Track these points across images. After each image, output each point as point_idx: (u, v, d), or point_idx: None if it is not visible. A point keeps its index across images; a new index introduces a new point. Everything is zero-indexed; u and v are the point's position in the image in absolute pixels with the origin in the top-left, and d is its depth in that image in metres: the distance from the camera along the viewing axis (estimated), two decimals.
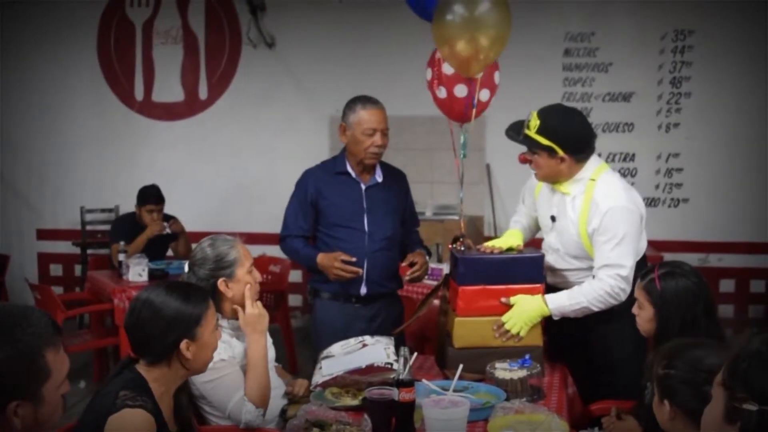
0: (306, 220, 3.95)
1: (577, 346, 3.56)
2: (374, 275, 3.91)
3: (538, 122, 3.44)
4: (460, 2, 3.62)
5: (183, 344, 2.40)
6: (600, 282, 3.37)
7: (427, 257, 4.05)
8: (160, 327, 2.39)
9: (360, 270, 3.83)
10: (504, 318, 3.35)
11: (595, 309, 3.38)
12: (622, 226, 3.37)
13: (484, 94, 3.86)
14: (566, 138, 3.43)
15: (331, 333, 3.66)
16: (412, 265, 3.92)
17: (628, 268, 3.36)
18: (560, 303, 3.39)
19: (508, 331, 3.34)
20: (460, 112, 3.90)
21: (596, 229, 3.39)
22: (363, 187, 3.95)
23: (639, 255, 3.49)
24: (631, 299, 3.25)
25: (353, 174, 3.95)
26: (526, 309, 3.36)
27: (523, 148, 3.57)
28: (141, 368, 2.42)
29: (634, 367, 3.52)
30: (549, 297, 3.40)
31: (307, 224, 3.96)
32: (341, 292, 3.91)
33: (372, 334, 3.44)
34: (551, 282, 3.61)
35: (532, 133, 3.45)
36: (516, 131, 3.59)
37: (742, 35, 7.36)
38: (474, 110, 3.84)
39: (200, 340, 2.45)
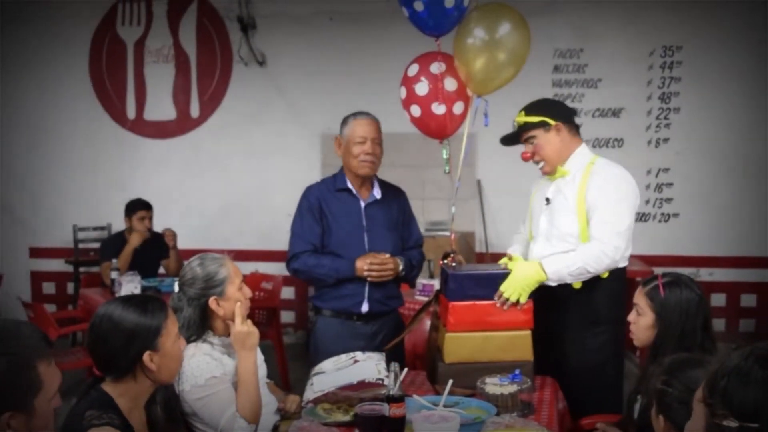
0: (316, 235, 3.90)
1: (557, 355, 3.63)
2: (376, 293, 3.90)
3: (522, 111, 3.75)
4: (481, 24, 3.72)
5: (146, 356, 2.41)
6: (595, 240, 3.49)
7: (401, 268, 3.94)
8: (121, 341, 2.39)
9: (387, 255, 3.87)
10: (502, 287, 3.39)
11: (592, 270, 3.48)
12: (624, 188, 3.58)
13: (458, 107, 3.91)
14: (550, 107, 3.76)
15: (332, 350, 3.65)
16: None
17: (624, 227, 3.51)
18: (557, 266, 3.46)
19: (507, 300, 3.38)
20: (453, 128, 3.95)
21: (598, 189, 3.55)
22: (362, 204, 3.96)
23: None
24: (590, 313, 3.43)
25: (353, 190, 3.96)
26: (523, 275, 3.41)
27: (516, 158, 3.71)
28: (107, 386, 2.42)
29: (602, 376, 3.60)
30: (545, 261, 3.46)
31: (317, 239, 3.91)
32: (343, 310, 3.90)
33: (372, 351, 3.44)
34: None
35: (522, 118, 3.72)
36: (508, 136, 3.83)
37: (730, 50, 7.41)
38: (467, 125, 3.91)
39: (163, 350, 2.45)
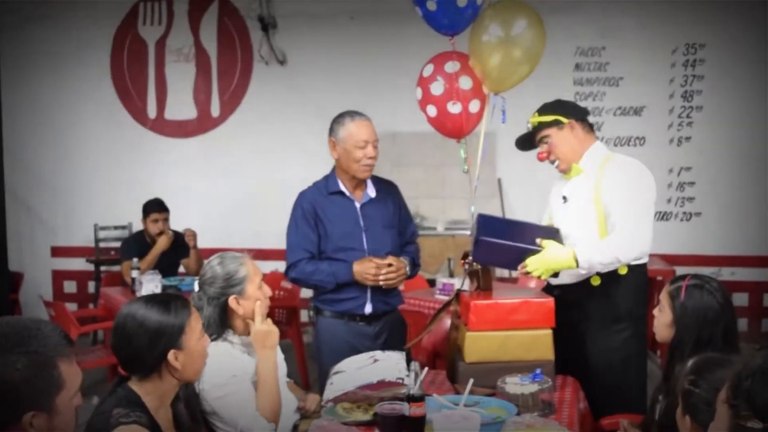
0: (312, 242, 3.87)
1: (576, 354, 3.62)
2: (378, 293, 3.88)
3: (536, 113, 3.77)
4: (496, 22, 3.72)
5: (171, 354, 2.42)
6: (623, 230, 3.47)
7: (408, 269, 3.93)
8: (145, 340, 2.41)
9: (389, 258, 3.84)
10: (528, 261, 3.42)
11: (623, 259, 3.48)
12: (643, 182, 3.58)
13: (474, 105, 3.90)
14: (562, 106, 3.76)
15: (336, 351, 3.65)
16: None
17: (648, 218, 3.52)
18: (589, 255, 3.45)
19: (528, 273, 3.44)
20: (469, 127, 3.94)
21: (617, 183, 3.55)
22: (357, 205, 3.92)
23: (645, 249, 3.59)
24: (610, 310, 3.48)
25: (347, 192, 3.92)
26: (554, 256, 3.43)
27: (532, 161, 3.84)
28: (133, 384, 2.44)
29: (622, 374, 3.58)
30: (578, 249, 3.44)
31: (313, 246, 3.87)
32: (345, 312, 3.89)
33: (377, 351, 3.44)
34: (553, 281, 3.66)
35: (535, 119, 3.75)
36: (523, 138, 3.85)
37: (753, 48, 7.34)
38: (484, 123, 3.91)
39: (187, 348, 2.46)
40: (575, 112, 3.75)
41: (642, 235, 3.47)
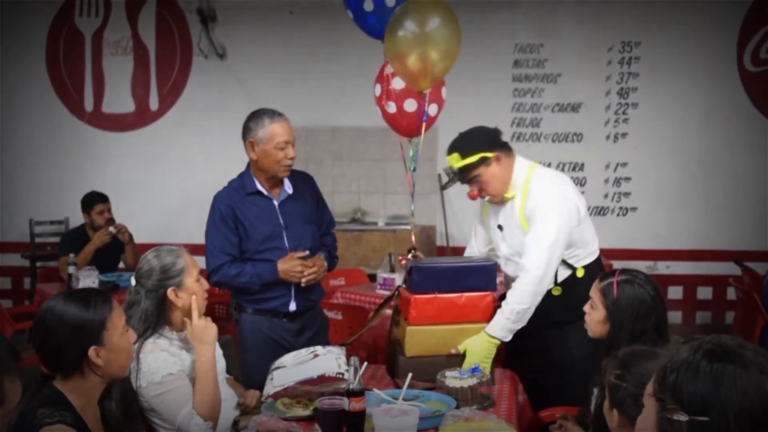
0: (233, 244, 3.79)
1: (522, 352, 3.63)
2: (302, 291, 3.85)
3: (455, 153, 3.57)
4: (411, 18, 3.67)
5: (92, 351, 2.34)
6: (520, 280, 3.45)
7: (326, 264, 3.92)
8: (65, 336, 2.33)
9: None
10: (464, 365, 3.32)
11: (528, 304, 3.43)
12: (553, 200, 3.50)
13: (432, 109, 3.89)
14: (482, 139, 3.58)
15: (258, 347, 3.63)
16: None
17: (551, 240, 3.44)
18: (500, 328, 3.39)
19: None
20: (410, 126, 3.93)
21: (530, 206, 3.49)
22: (276, 203, 3.86)
23: (589, 245, 3.62)
24: (572, 310, 3.37)
25: (264, 192, 3.86)
26: (477, 350, 3.36)
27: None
28: (58, 383, 2.36)
29: (580, 371, 3.60)
30: (489, 327, 3.39)
31: (234, 249, 3.80)
32: (268, 309, 3.86)
33: (300, 347, 3.41)
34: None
35: (459, 163, 3.55)
36: (450, 177, 3.67)
37: (687, 46, 7.51)
38: (424, 124, 3.88)
39: (109, 344, 2.37)
40: (495, 141, 3.60)
41: (537, 266, 3.43)
